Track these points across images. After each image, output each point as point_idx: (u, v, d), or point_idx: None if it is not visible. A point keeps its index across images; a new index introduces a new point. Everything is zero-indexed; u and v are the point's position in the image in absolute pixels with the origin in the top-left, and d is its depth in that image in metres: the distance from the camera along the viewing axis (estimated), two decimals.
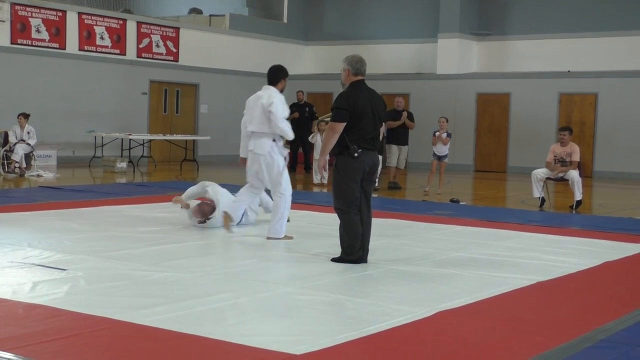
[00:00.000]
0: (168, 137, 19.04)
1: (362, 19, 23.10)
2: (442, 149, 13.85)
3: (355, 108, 6.56)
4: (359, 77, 6.77)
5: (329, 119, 7.89)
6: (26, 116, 15.72)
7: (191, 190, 8.96)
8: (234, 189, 7.63)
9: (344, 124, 6.56)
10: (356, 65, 6.77)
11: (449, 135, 13.89)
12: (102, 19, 19.31)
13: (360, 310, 5.11)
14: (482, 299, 5.53)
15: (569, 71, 19.81)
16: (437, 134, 13.88)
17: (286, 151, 7.96)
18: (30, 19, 17.89)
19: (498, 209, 11.79)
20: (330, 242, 7.49)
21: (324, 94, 22.22)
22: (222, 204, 8.38)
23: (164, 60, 20.61)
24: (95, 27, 19.13)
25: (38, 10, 18.02)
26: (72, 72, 18.70)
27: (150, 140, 19.21)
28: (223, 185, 9.00)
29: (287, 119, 7.81)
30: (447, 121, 14.13)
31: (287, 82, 8.00)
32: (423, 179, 14.77)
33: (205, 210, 8.49)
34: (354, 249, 6.68)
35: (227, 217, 8.06)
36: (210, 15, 22.88)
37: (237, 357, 4.09)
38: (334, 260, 6.76)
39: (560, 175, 12.02)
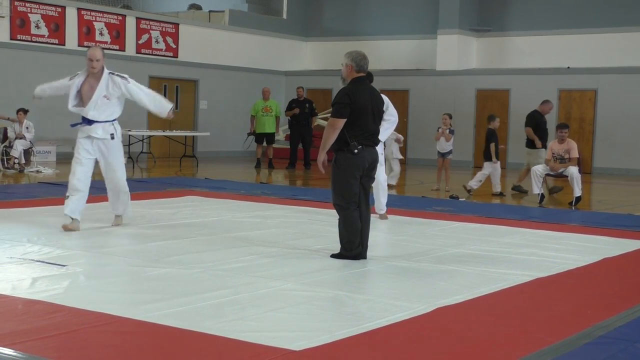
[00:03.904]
0: (167, 133, 18.99)
1: (361, 15, 23.09)
2: (444, 146, 13.78)
3: (357, 104, 6.56)
4: (361, 74, 6.77)
5: None
6: (25, 112, 15.71)
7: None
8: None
9: (344, 120, 6.55)
10: (360, 62, 6.76)
11: (451, 131, 13.80)
12: (101, 15, 19.28)
13: (360, 306, 5.12)
14: (481, 295, 5.54)
15: (568, 67, 19.80)
16: (440, 130, 13.82)
17: None
18: (29, 15, 17.86)
19: (497, 205, 11.80)
20: (329, 238, 7.50)
21: (323, 90, 22.18)
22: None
23: (164, 56, 20.59)
24: (94, 23, 19.10)
25: (37, 6, 17.99)
26: (71, 67, 18.42)
27: (150, 136, 19.19)
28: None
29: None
30: (450, 117, 13.93)
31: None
32: (422, 174, 14.74)
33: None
34: (353, 245, 6.68)
35: None
36: (210, 11, 22.85)
37: (236, 353, 4.09)
38: (333, 256, 6.77)
39: (560, 171, 12.02)
